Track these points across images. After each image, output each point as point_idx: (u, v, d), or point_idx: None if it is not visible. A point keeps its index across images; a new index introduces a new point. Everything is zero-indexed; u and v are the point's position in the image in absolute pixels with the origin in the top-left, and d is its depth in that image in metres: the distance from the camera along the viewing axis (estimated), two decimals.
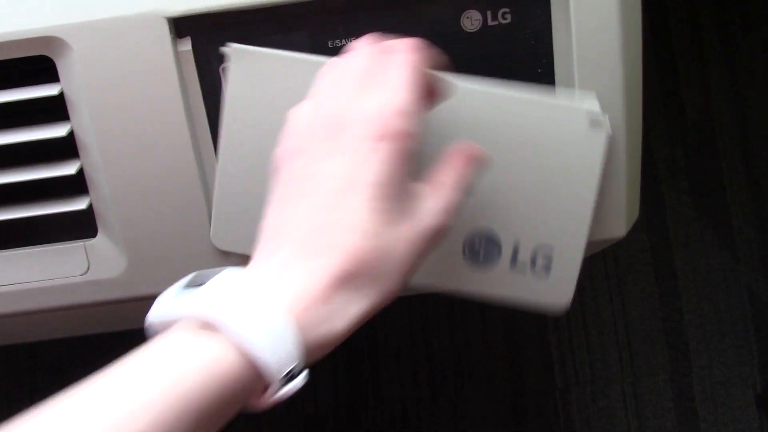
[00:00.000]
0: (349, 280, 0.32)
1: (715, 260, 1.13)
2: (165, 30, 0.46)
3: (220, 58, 0.47)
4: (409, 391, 1.12)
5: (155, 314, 0.33)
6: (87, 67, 0.47)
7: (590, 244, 0.53)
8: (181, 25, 0.47)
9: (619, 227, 0.51)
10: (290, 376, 0.31)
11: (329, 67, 0.39)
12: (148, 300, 0.54)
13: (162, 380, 0.29)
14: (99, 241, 0.51)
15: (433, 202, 0.36)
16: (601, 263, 1.13)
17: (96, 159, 0.48)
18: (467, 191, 0.39)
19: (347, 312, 0.33)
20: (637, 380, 1.11)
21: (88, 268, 0.51)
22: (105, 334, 0.68)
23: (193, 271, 0.51)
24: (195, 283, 0.33)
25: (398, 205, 0.34)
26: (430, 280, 0.47)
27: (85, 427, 0.28)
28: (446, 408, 1.11)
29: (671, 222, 1.13)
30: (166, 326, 0.32)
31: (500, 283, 0.47)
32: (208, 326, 0.30)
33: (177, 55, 0.47)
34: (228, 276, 0.32)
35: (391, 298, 0.35)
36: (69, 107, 0.48)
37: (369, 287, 0.33)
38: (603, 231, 0.51)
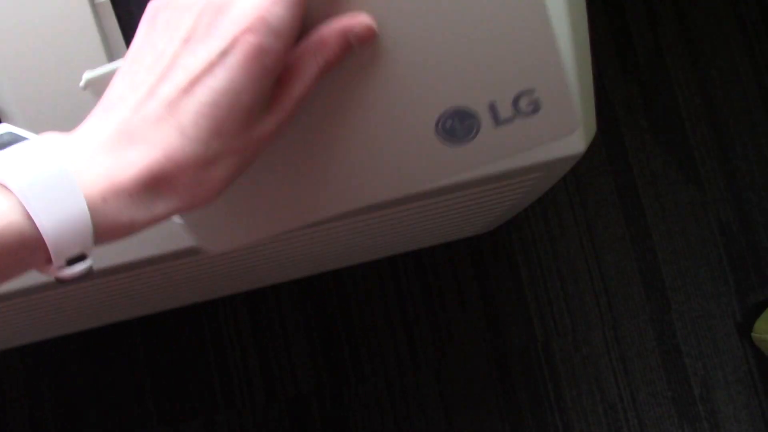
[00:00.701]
0: (159, 180, 0.32)
1: (681, 195, 1.12)
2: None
3: (142, 7, 0.44)
4: (390, 362, 1.10)
5: None
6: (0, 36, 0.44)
7: (553, 164, 0.51)
8: None
9: (578, 142, 0.49)
10: (77, 258, 0.32)
11: None
12: (106, 277, 0.51)
13: None
14: None
15: (272, 118, 0.35)
16: (569, 211, 1.12)
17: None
18: (320, 74, 0.37)
19: (147, 211, 0.32)
20: (617, 324, 1.10)
21: None
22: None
23: (154, 237, 0.48)
24: (6, 142, 0.32)
25: (237, 116, 0.33)
26: (422, 183, 0.42)
27: None
28: (430, 375, 1.09)
29: (634, 161, 1.12)
30: None
31: (495, 147, 0.42)
32: (3, 188, 0.30)
33: (94, 8, 0.44)
34: (40, 143, 0.32)
35: (201, 206, 0.35)
36: None
37: (178, 192, 0.33)
38: (563, 148, 0.49)
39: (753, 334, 1.07)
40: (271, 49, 0.33)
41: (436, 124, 0.41)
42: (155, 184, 0.32)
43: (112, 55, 0.46)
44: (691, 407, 1.09)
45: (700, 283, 1.11)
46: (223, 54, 0.33)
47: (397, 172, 0.42)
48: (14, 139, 0.32)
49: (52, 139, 0.33)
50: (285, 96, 0.36)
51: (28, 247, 0.30)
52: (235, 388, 1.09)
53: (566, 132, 0.42)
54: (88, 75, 0.39)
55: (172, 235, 0.50)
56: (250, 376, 1.09)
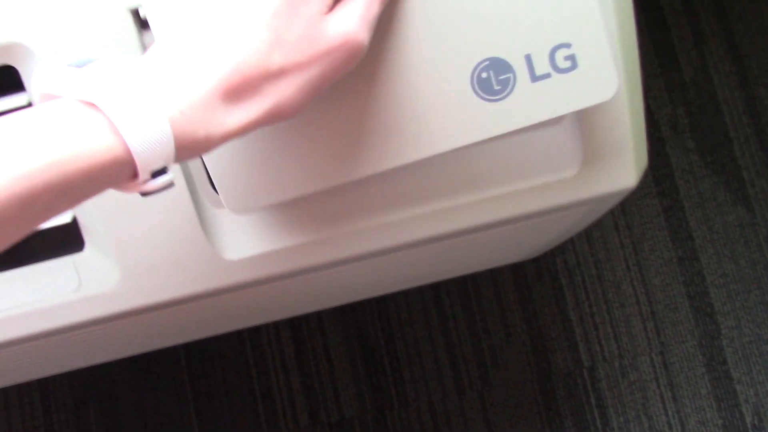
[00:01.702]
0: (230, 92, 0.34)
1: (730, 216, 1.10)
2: (129, 22, 0.44)
3: None
4: (433, 386, 1.09)
5: (41, 84, 0.34)
6: None
7: (603, 198, 0.50)
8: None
9: (628, 176, 0.48)
10: (159, 171, 0.34)
11: None
12: (145, 313, 0.52)
13: (44, 154, 0.30)
14: (87, 255, 0.49)
15: (345, 16, 0.36)
16: (614, 234, 1.10)
17: None
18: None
19: (224, 122, 0.34)
20: (665, 349, 1.08)
21: (80, 284, 0.49)
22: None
23: (193, 274, 0.49)
24: (82, 60, 0.34)
25: (303, 26, 0.35)
26: (458, 139, 0.41)
27: None
28: (473, 400, 1.08)
29: (681, 183, 1.10)
30: (48, 98, 0.33)
31: (532, 104, 0.41)
32: (90, 106, 0.32)
33: (144, 47, 0.45)
34: (117, 63, 0.33)
35: (283, 116, 0.36)
36: None
37: (252, 102, 0.35)
38: (613, 182, 0.48)
39: None
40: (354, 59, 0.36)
41: (472, 76, 0.41)
42: (225, 97, 0.34)
43: None
44: None
45: (750, 307, 1.08)
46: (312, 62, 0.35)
47: (433, 127, 0.41)
48: (94, 63, 0.33)
49: (135, 59, 0.34)
50: (356, 15, 0.36)
51: (120, 163, 0.32)
52: (279, 412, 1.09)
53: (604, 94, 0.41)
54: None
55: (220, 271, 0.50)
56: (293, 400, 1.09)
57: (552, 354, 1.09)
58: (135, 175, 0.33)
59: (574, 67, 0.40)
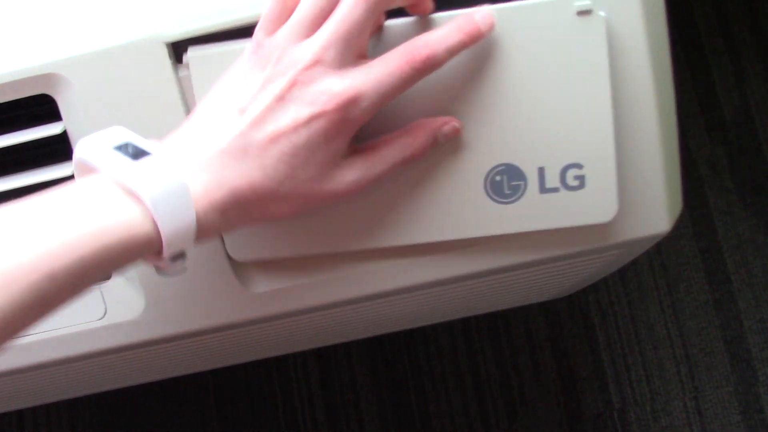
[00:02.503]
0: (241, 203, 0.39)
1: None
2: (164, 55, 0.45)
3: None
4: (460, 422, 1.07)
5: (86, 153, 0.38)
6: (88, 101, 0.45)
7: (635, 243, 0.49)
8: (180, 49, 0.45)
9: (662, 221, 0.47)
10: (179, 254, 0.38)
11: None
12: (169, 342, 0.52)
13: (86, 229, 0.35)
14: (114, 283, 0.49)
15: (352, 175, 0.41)
16: (649, 273, 1.08)
17: None
18: (403, 164, 0.42)
19: (228, 223, 0.40)
20: (699, 394, 1.05)
21: (106, 312, 0.49)
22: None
23: (217, 306, 0.49)
24: (123, 143, 0.38)
25: (310, 167, 0.40)
26: (462, 231, 0.45)
27: (10, 253, 0.33)
28: None
29: (719, 224, 1.08)
30: (89, 170, 0.37)
31: (536, 213, 0.44)
32: (132, 194, 0.36)
33: (179, 80, 0.45)
34: (164, 160, 0.37)
35: (280, 219, 0.42)
36: (73, 145, 0.46)
37: (252, 215, 0.40)
38: (646, 227, 0.47)
39: None
40: (355, 121, 0.40)
41: (486, 177, 0.44)
42: (237, 206, 0.39)
43: None
44: None
45: None
46: (311, 119, 0.39)
47: (445, 216, 0.45)
48: (138, 152, 0.37)
49: (170, 152, 0.39)
50: (363, 177, 0.42)
51: (151, 247, 0.37)
52: None
53: (602, 217, 0.44)
54: (192, 52, 0.44)
55: (245, 303, 0.50)
56: (318, 431, 1.09)
57: (582, 394, 1.06)
58: (158, 253, 0.37)
59: (581, 186, 0.44)
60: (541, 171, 0.43)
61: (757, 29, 1.12)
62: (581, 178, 0.43)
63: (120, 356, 0.55)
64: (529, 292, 0.75)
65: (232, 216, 0.39)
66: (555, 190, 0.44)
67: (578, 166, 0.43)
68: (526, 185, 0.44)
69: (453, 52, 0.40)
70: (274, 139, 0.39)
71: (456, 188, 0.44)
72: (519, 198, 0.44)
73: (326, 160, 0.40)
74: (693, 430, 1.04)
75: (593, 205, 0.44)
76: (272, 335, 0.65)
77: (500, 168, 0.44)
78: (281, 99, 0.39)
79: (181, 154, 0.39)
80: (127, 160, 0.37)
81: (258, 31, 0.41)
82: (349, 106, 0.39)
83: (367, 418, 1.08)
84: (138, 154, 0.37)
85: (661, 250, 1.08)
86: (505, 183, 0.44)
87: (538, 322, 1.08)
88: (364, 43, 0.40)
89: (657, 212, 0.47)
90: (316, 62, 0.39)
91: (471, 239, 0.46)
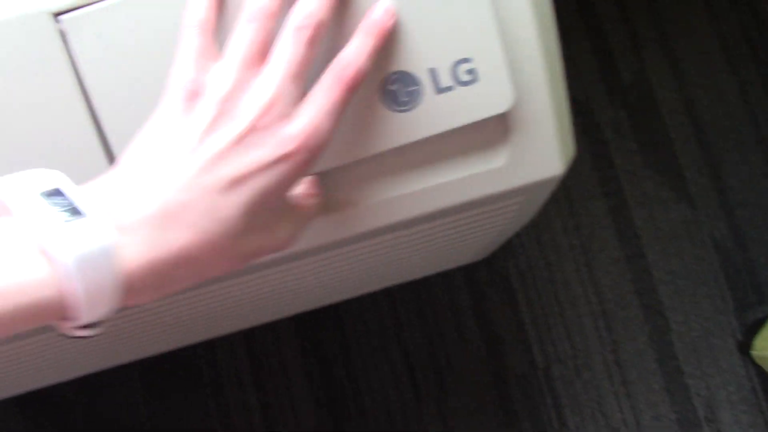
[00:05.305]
0: (191, 261, 0.35)
1: (674, 214, 1.12)
2: (52, 28, 0.44)
3: None
4: (391, 394, 1.09)
5: (6, 195, 0.33)
6: None
7: (532, 188, 0.51)
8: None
9: (555, 164, 0.49)
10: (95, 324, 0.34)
11: None
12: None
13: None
14: None
15: (291, 228, 0.40)
16: (563, 235, 1.12)
17: None
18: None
19: (170, 286, 0.35)
20: (617, 347, 1.10)
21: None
22: None
23: None
24: (55, 191, 0.33)
25: (269, 211, 0.38)
26: (370, 148, 0.44)
27: None
28: (432, 406, 1.09)
29: (626, 183, 1.13)
30: (4, 209, 0.33)
31: (437, 114, 0.45)
32: (48, 257, 0.31)
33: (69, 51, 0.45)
34: (88, 221, 0.32)
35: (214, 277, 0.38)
36: None
37: (202, 270, 0.36)
38: (540, 170, 0.49)
39: (752, 352, 1.06)
40: (315, 158, 0.38)
41: (380, 89, 0.44)
42: (186, 264, 0.35)
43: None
44: (696, 429, 1.08)
45: (697, 302, 1.10)
46: (278, 161, 0.36)
47: (346, 138, 0.44)
48: (67, 206, 0.33)
49: (102, 209, 0.33)
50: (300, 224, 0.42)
51: (59, 313, 0.32)
52: (236, 429, 1.09)
53: (500, 106, 0.45)
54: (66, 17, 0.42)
55: None
56: (250, 417, 1.09)
57: (507, 357, 1.10)
58: (68, 319, 0.33)
59: (475, 80, 0.44)
60: (433, 72, 0.44)
61: None
62: (473, 72, 0.44)
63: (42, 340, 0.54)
64: (447, 253, 0.77)
65: (177, 276, 0.35)
66: (450, 88, 0.44)
67: (467, 60, 0.44)
68: (421, 89, 0.44)
69: (374, 56, 0.41)
70: (233, 185, 0.35)
71: (353, 107, 0.43)
72: (418, 103, 0.44)
73: (281, 199, 0.39)
74: (613, 382, 1.09)
75: (490, 96, 0.44)
76: (197, 309, 0.65)
77: (393, 77, 0.44)
78: (238, 143, 0.36)
79: (121, 208, 0.34)
80: (53, 214, 0.32)
81: (186, 67, 0.38)
82: (311, 144, 0.37)
83: (298, 399, 1.08)
84: (67, 208, 0.33)
85: (573, 212, 1.12)
86: (401, 91, 0.44)
87: (460, 290, 1.11)
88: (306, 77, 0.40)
89: (550, 155, 0.49)
90: (273, 104, 0.37)
91: (380, 156, 0.46)
